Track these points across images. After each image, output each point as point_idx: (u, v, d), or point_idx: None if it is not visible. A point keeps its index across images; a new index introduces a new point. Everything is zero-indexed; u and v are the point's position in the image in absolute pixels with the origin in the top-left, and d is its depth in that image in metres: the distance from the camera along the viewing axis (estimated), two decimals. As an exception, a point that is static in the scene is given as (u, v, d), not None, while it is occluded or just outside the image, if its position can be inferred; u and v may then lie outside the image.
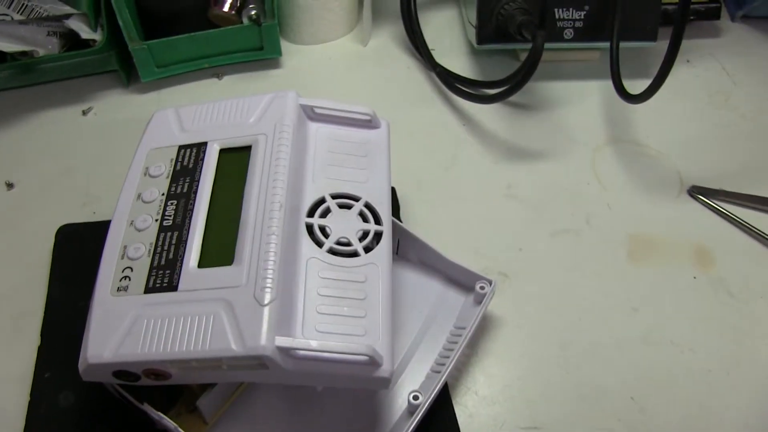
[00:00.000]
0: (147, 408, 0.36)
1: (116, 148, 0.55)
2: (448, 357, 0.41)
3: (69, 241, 0.49)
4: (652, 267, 0.48)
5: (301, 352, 0.33)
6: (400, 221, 0.48)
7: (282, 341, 0.32)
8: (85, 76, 0.60)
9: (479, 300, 0.43)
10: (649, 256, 0.49)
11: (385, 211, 0.40)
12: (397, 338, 0.42)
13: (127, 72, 0.60)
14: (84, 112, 0.59)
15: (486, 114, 0.58)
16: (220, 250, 0.37)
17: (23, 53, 0.56)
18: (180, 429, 0.35)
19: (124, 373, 0.35)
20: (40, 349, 0.43)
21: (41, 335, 0.44)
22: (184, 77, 0.61)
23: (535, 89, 0.60)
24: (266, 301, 0.33)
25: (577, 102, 0.59)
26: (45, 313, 0.45)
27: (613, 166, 0.54)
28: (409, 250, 0.45)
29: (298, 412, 0.40)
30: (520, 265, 0.48)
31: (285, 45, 0.63)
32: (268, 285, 0.34)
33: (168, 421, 0.36)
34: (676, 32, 0.45)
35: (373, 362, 0.34)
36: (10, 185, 0.54)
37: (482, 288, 0.42)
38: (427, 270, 0.45)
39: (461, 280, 0.44)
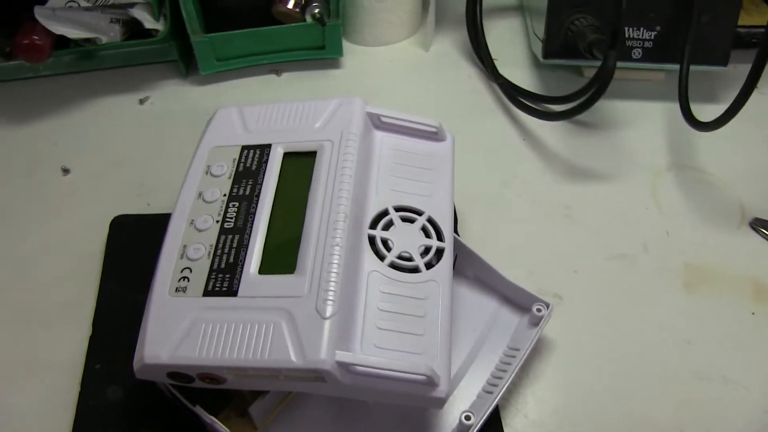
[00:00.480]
0: (199, 410, 0.36)
1: (172, 139, 0.56)
2: (500, 378, 0.40)
3: (123, 231, 0.49)
4: (708, 299, 0.47)
5: (360, 368, 0.32)
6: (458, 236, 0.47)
7: (342, 356, 0.32)
8: (144, 64, 0.60)
9: (535, 322, 0.42)
10: (706, 287, 0.48)
11: (447, 227, 0.39)
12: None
13: (186, 63, 0.60)
14: (141, 101, 0.59)
15: (546, 129, 0.57)
16: (282, 257, 0.36)
17: (86, 40, 0.56)
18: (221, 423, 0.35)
19: (178, 374, 0.34)
20: (91, 339, 0.43)
21: (93, 326, 0.44)
22: (242, 72, 0.61)
23: (598, 107, 0.58)
24: (328, 314, 0.33)
25: (640, 123, 0.58)
26: (97, 303, 0.45)
27: (674, 192, 0.53)
28: (466, 266, 0.45)
29: (346, 422, 0.40)
30: (574, 288, 0.47)
31: (346, 45, 0.62)
32: (330, 297, 0.33)
33: (220, 426, 0.36)
34: (760, 59, 0.44)
35: (431, 382, 0.33)
36: (66, 171, 0.54)
37: (539, 310, 0.42)
38: (482, 287, 0.45)
39: (517, 300, 0.43)
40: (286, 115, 0.42)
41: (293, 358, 0.32)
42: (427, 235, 0.39)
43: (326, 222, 0.36)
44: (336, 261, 0.35)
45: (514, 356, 0.41)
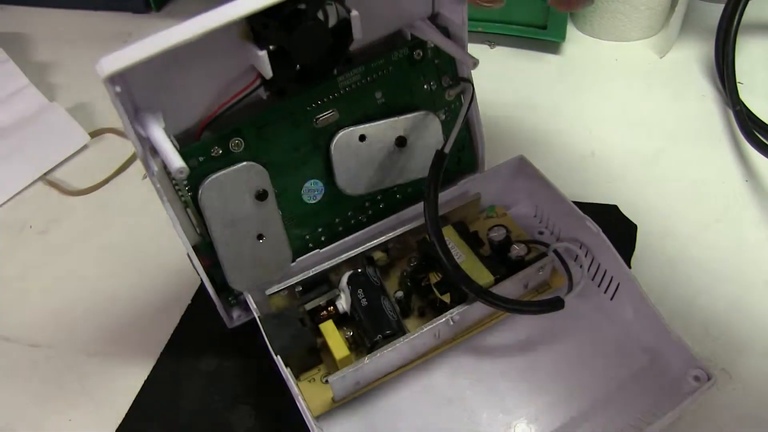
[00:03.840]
0: (278, 360, 0.34)
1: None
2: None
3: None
4: None
5: None
6: (629, 265, 0.41)
7: None
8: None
9: (688, 390, 0.34)
10: None
11: None
12: (574, 396, 0.36)
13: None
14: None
15: (778, 174, 0.47)
16: None
17: None
18: (295, 385, 0.33)
19: None
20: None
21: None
22: (454, 35, 0.57)
23: None
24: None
25: None
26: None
27: None
28: (628, 300, 0.38)
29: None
30: (754, 370, 0.38)
31: (570, 30, 0.56)
32: None
33: (288, 377, 0.33)
34: None
35: None
36: None
37: (696, 379, 0.34)
38: (639, 329, 0.38)
39: (676, 356, 0.35)
40: None
41: None
42: None
43: None
44: None
45: (649, 423, 0.34)
